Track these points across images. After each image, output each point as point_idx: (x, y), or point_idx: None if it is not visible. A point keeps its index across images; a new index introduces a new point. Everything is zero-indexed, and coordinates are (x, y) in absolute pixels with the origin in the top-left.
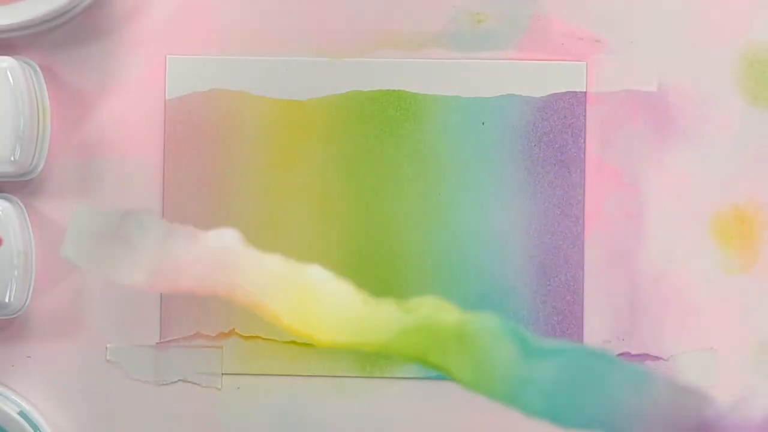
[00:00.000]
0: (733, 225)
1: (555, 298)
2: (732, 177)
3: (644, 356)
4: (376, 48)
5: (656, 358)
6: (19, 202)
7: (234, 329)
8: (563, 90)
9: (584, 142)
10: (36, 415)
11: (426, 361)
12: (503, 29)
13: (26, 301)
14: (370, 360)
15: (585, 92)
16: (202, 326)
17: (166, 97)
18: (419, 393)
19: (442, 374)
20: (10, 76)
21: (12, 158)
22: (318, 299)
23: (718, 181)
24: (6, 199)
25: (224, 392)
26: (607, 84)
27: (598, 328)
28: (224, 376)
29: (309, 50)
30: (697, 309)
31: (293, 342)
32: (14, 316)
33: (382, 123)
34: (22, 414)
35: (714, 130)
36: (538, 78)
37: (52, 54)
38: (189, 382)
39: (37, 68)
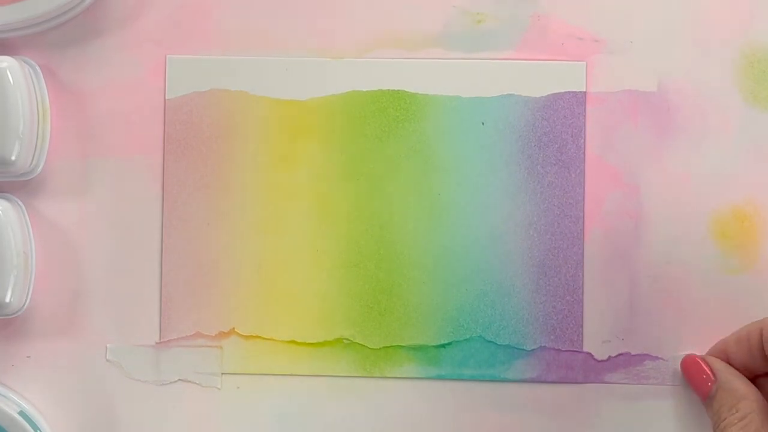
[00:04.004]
0: (733, 225)
1: (554, 297)
2: (732, 177)
3: (644, 356)
4: (376, 48)
5: (656, 358)
6: (19, 202)
7: (234, 329)
8: (563, 90)
9: (584, 142)
10: (36, 415)
11: None
12: (503, 29)
13: (26, 301)
14: (370, 360)
15: (585, 92)
16: (202, 326)
17: (166, 97)
18: (418, 393)
19: (440, 375)
20: (10, 76)
21: (12, 158)
22: None
23: (718, 181)
24: (6, 199)
25: (224, 392)
26: (607, 84)
27: (597, 328)
28: (224, 375)
29: (309, 50)
30: (697, 309)
31: (293, 341)
32: (14, 316)
33: (382, 123)
34: (22, 414)
35: (714, 130)
36: (537, 78)
37: (52, 54)
38: (189, 382)
39: (37, 68)
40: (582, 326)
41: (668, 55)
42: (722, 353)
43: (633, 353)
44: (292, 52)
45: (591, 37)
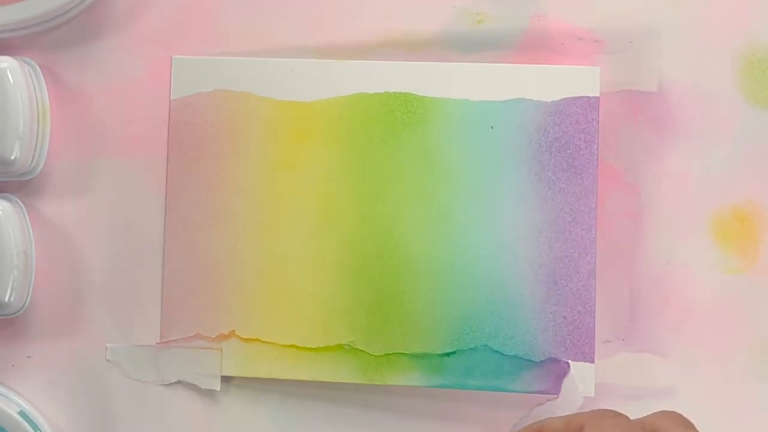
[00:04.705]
0: (733, 225)
1: (565, 308)
2: (732, 177)
3: (644, 356)
4: (376, 48)
5: (656, 358)
6: (19, 202)
7: (234, 331)
8: (575, 95)
9: (597, 148)
10: (36, 415)
11: None
12: (503, 29)
13: (26, 301)
14: (372, 366)
15: (598, 97)
16: (201, 327)
17: (171, 98)
18: (419, 400)
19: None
20: (10, 76)
21: (12, 158)
22: None
23: (718, 181)
24: (6, 199)
25: (223, 394)
26: (607, 84)
27: (598, 328)
28: (223, 378)
29: (314, 51)
30: (697, 309)
31: (293, 345)
32: (14, 315)
33: (389, 126)
34: (22, 414)
35: (714, 130)
36: (549, 82)
37: (52, 54)
38: (188, 383)
39: (37, 68)
40: (594, 338)
41: (668, 55)
42: None
43: (633, 353)
44: (297, 53)
45: (591, 37)
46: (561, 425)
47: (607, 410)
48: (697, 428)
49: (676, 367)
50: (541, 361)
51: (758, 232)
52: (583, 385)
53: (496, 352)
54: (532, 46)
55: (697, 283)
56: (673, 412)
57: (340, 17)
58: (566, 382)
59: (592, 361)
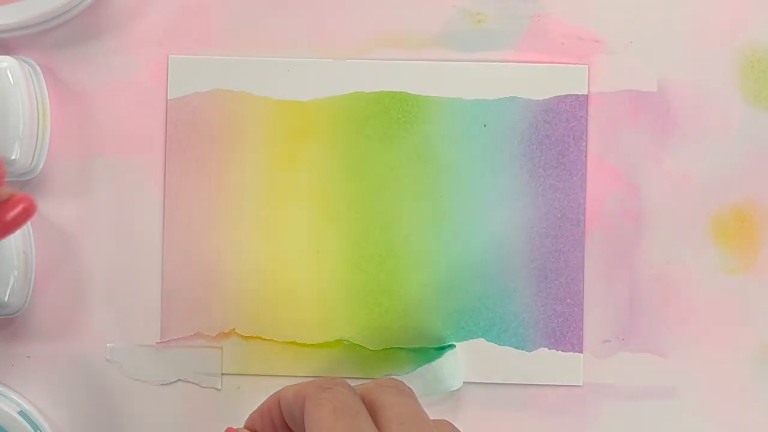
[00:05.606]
0: (733, 225)
1: (555, 300)
2: (732, 177)
3: (644, 356)
4: (376, 48)
5: (656, 357)
6: None
7: (234, 329)
8: (565, 93)
9: (585, 145)
10: (36, 415)
11: None
12: (503, 29)
13: (26, 300)
14: (370, 362)
15: (587, 95)
16: (202, 326)
17: (168, 97)
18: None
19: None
20: (10, 76)
21: (12, 158)
22: None
23: (718, 181)
24: None
25: (224, 393)
26: (607, 84)
27: (597, 328)
28: (224, 376)
29: (311, 51)
30: (697, 309)
31: (293, 342)
32: (14, 315)
33: (384, 124)
34: (22, 414)
35: (714, 130)
36: (539, 81)
37: (52, 54)
38: (189, 382)
39: (37, 68)
40: (582, 329)
41: (668, 55)
42: (252, 429)
43: (633, 353)
44: (294, 52)
45: (591, 37)
46: (291, 396)
47: (330, 379)
48: (416, 396)
49: (676, 367)
50: (533, 352)
51: (758, 232)
52: (572, 375)
53: (491, 344)
54: (532, 46)
55: (697, 283)
56: (392, 379)
57: (340, 18)
58: (444, 358)
59: (581, 352)
